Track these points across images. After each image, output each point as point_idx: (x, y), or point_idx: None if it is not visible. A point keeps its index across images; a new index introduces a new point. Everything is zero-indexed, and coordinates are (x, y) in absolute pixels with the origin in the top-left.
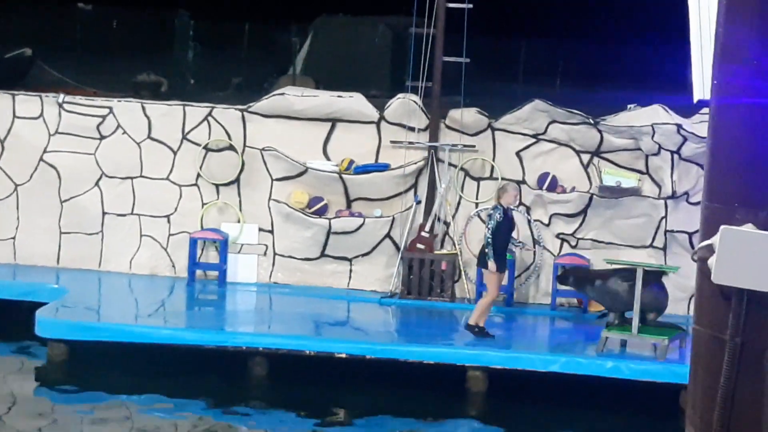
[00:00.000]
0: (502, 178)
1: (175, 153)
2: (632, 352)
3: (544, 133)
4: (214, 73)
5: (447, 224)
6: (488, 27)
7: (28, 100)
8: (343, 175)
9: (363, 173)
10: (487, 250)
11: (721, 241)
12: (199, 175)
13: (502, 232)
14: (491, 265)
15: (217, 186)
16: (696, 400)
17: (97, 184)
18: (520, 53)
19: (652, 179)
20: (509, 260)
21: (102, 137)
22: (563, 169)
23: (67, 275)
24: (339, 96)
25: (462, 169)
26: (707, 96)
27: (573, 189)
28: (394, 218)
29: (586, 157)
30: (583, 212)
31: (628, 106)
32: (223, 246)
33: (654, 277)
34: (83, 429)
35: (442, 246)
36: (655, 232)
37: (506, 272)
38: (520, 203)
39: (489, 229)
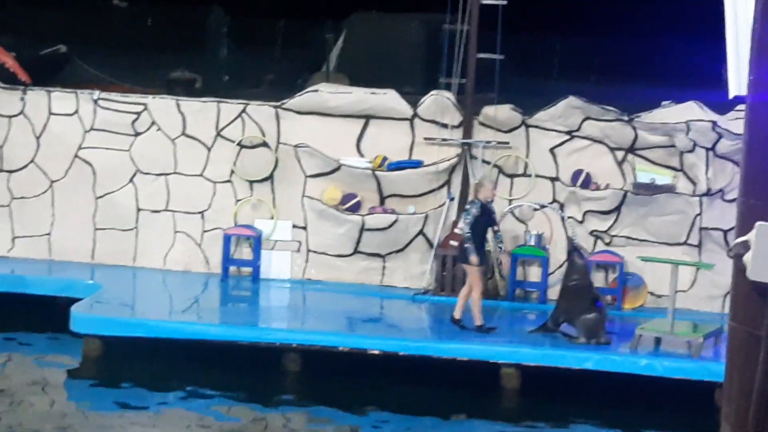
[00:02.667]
0: (536, 175)
1: (209, 149)
2: (666, 350)
3: (578, 129)
4: (248, 69)
5: None
6: (523, 23)
7: (64, 97)
8: (377, 172)
9: (396, 170)
10: (467, 245)
11: (757, 238)
12: (232, 172)
13: (480, 227)
14: (473, 258)
15: (250, 182)
16: (731, 395)
17: (131, 180)
18: (555, 50)
19: (687, 176)
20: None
21: (137, 134)
22: (597, 166)
23: (101, 271)
24: (372, 93)
25: (495, 166)
26: (743, 92)
27: (607, 186)
28: (427, 215)
29: (620, 154)
30: (617, 209)
31: (663, 102)
32: (256, 242)
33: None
34: (117, 424)
35: None
36: (690, 230)
37: (486, 265)
38: (554, 200)
39: (467, 224)
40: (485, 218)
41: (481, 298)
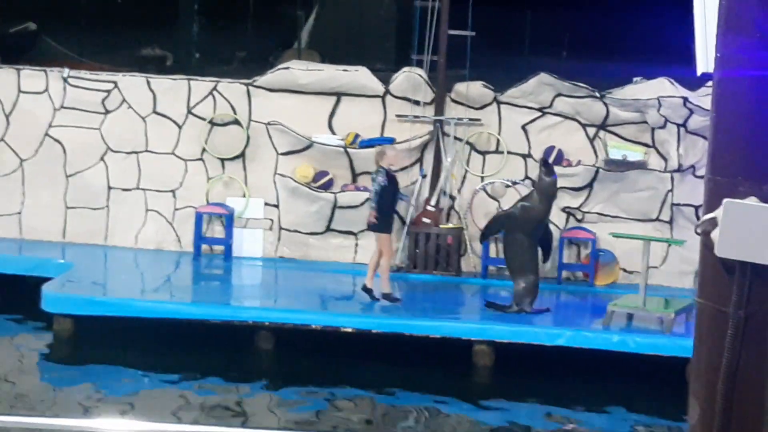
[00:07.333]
0: (508, 152)
1: (180, 127)
2: (638, 326)
3: (550, 106)
4: (219, 47)
5: (453, 198)
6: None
7: (33, 75)
8: (349, 150)
9: (368, 147)
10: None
11: (724, 214)
12: (204, 150)
13: (388, 194)
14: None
15: (222, 160)
16: (699, 372)
17: (102, 158)
18: (526, 26)
19: (659, 152)
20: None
21: (107, 112)
22: (569, 142)
23: (72, 250)
24: (344, 70)
25: (468, 143)
26: (711, 69)
27: (579, 162)
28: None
29: (591, 131)
30: (589, 186)
31: (634, 79)
32: (228, 220)
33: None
34: (89, 404)
35: (447, 220)
36: (662, 206)
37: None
38: (526, 177)
39: (376, 192)
40: (392, 186)
41: (389, 265)
